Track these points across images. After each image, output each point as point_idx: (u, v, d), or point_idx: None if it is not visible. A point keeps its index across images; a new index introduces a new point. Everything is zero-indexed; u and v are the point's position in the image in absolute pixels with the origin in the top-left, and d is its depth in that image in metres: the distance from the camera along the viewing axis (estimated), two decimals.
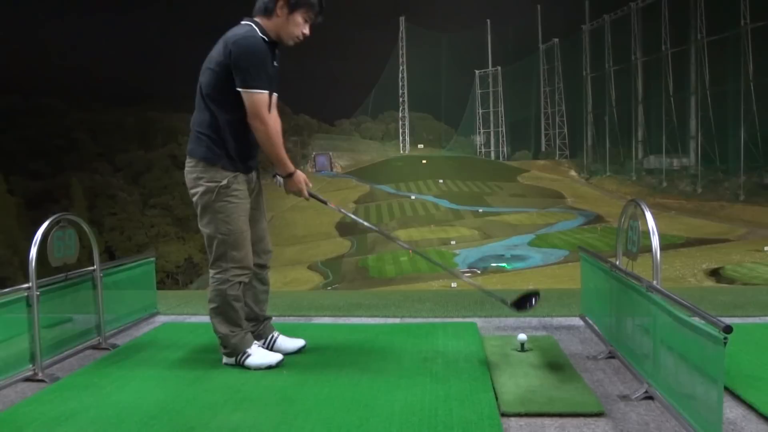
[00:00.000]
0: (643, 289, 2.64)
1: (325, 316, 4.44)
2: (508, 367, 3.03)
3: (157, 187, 66.08)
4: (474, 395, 2.64)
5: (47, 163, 67.35)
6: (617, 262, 3.13)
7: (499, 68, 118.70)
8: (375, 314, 4.41)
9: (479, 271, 41.61)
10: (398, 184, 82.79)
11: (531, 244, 51.71)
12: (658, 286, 2.51)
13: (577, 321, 3.99)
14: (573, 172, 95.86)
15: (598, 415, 2.45)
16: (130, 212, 61.49)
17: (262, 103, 2.99)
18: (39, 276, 3.10)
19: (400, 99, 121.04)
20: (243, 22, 3.09)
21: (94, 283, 3.68)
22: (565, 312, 4.24)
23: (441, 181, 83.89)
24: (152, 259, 4.46)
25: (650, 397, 2.59)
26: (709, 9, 69.59)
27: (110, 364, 3.28)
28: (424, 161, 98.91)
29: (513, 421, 2.42)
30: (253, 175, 3.31)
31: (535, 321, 4.06)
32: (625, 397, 2.64)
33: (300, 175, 3.24)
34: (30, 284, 3.06)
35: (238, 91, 2.97)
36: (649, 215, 2.71)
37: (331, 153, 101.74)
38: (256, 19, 3.07)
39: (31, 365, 3.12)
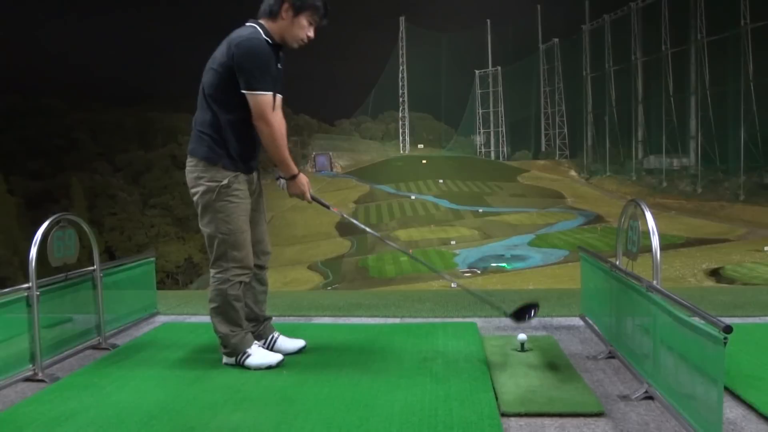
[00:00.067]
0: (643, 289, 2.64)
1: (325, 316, 4.44)
2: (508, 367, 3.03)
3: (157, 187, 66.06)
4: (474, 395, 2.64)
5: (47, 163, 67.33)
6: (617, 262, 3.13)
7: (499, 68, 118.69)
8: (375, 314, 4.41)
9: (479, 271, 41.61)
10: (398, 184, 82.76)
11: (531, 244, 51.68)
12: (658, 286, 2.51)
13: (577, 321, 4.00)
14: (573, 172, 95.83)
15: (598, 415, 2.45)
16: (130, 212, 61.48)
17: (266, 104, 3.00)
18: (39, 276, 3.10)
19: (400, 99, 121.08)
20: (247, 24, 3.09)
21: (94, 283, 3.68)
22: (565, 312, 4.24)
23: (441, 181, 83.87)
24: (152, 259, 4.46)
25: (650, 397, 2.59)
26: (709, 9, 69.58)
27: (110, 364, 3.28)
28: (424, 161, 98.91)
29: (513, 421, 2.42)
30: (254, 175, 3.31)
31: (535, 321, 4.04)
32: (625, 397, 2.64)
33: (303, 177, 3.24)
34: (30, 284, 3.06)
35: (241, 92, 2.97)
36: (649, 215, 2.71)
37: (331, 153, 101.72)
38: (261, 21, 3.07)
39: (31, 365, 3.12)
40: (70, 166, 65.58)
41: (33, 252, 3.08)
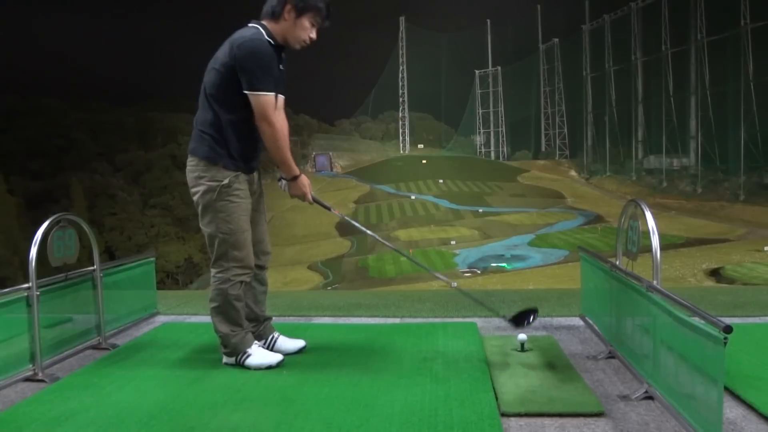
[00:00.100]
0: (643, 289, 2.64)
1: (325, 316, 4.44)
2: (508, 367, 3.04)
3: (157, 187, 66.04)
4: (474, 395, 2.64)
5: (47, 163, 67.29)
6: (617, 262, 3.13)
7: (499, 68, 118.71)
8: (375, 314, 4.41)
9: (479, 271, 41.61)
10: (398, 184, 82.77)
11: (531, 244, 51.69)
12: (658, 286, 2.51)
13: (577, 321, 4.00)
14: (573, 172, 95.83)
15: (598, 415, 2.45)
16: (130, 212, 61.47)
17: (269, 104, 3.00)
18: (39, 276, 3.10)
19: (400, 99, 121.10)
20: (250, 25, 3.09)
21: (94, 283, 3.69)
22: (565, 312, 4.24)
23: (441, 181, 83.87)
24: (152, 259, 4.46)
25: (650, 397, 2.59)
26: (709, 9, 69.56)
27: (110, 364, 3.28)
28: (424, 161, 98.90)
29: (513, 421, 2.42)
30: (255, 175, 3.31)
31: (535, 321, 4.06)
32: (625, 397, 2.64)
33: (304, 179, 3.24)
34: (30, 284, 3.06)
35: (242, 92, 2.98)
36: (649, 215, 2.71)
37: (331, 153, 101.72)
38: (263, 22, 3.08)
39: (31, 365, 3.12)
40: (70, 166, 65.56)
41: (33, 252, 3.08)
